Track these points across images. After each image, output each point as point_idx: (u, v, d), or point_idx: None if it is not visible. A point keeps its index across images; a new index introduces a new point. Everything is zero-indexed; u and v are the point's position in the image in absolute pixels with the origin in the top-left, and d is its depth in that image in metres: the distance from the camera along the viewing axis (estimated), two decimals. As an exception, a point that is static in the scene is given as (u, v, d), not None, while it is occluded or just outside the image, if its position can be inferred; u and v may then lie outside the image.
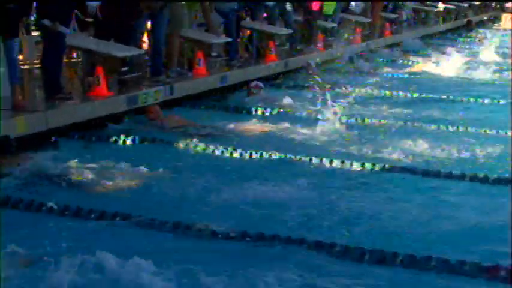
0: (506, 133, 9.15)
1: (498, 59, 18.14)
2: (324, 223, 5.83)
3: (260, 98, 11.01)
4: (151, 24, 10.78)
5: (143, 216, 5.73)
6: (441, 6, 26.40)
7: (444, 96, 12.22)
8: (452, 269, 4.91)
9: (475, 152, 8.16)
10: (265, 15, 15.20)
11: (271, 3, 14.95)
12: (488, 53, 18.56)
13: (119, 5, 10.01)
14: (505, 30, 27.82)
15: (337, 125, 9.32)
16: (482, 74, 15.15)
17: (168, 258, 4.75)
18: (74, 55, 11.29)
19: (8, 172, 6.78)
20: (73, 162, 7.29)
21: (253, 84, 11.20)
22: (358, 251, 5.10)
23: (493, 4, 35.09)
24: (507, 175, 7.18)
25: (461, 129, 9.48)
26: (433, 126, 9.65)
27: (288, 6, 15.40)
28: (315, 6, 16.03)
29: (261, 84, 11.31)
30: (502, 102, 11.76)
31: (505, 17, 22.01)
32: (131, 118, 9.37)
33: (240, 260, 5.11)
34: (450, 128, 9.54)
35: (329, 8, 17.17)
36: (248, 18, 14.53)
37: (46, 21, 8.64)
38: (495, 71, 15.60)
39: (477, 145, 8.45)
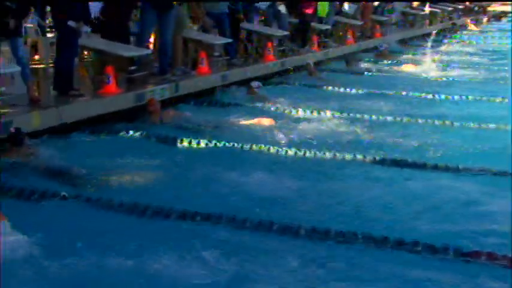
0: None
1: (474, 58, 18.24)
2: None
3: (259, 95, 11.09)
4: (158, 26, 10.81)
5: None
6: (427, 9, 26.49)
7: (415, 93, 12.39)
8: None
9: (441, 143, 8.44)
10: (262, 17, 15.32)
11: (263, 6, 15.05)
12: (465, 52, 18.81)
13: (119, 6, 10.15)
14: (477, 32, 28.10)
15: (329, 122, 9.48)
16: (453, 72, 15.37)
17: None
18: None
19: (21, 163, 6.87)
20: (84, 154, 7.46)
21: (255, 84, 11.26)
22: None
23: (476, 8, 35.12)
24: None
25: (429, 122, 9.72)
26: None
27: (282, 9, 15.45)
28: (309, 9, 16.06)
29: (260, 84, 11.40)
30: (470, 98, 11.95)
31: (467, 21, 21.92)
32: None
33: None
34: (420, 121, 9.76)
35: (323, 10, 17.21)
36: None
37: (71, 23, 8.71)
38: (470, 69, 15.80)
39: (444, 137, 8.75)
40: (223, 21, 12.65)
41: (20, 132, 7.19)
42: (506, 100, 11.52)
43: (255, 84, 11.28)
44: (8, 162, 6.82)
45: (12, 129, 7.19)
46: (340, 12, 19.05)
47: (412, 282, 4.68)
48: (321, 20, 17.17)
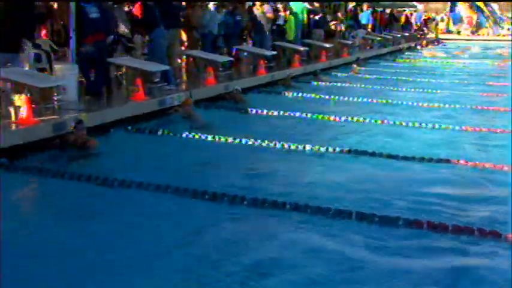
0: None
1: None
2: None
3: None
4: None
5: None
6: (381, 36, 26.61)
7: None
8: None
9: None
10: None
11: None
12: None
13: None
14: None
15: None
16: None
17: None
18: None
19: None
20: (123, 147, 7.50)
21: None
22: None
23: (418, 35, 35.26)
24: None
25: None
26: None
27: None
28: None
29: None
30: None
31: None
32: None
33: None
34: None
35: (291, 34, 17.16)
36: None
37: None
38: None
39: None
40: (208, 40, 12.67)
41: (82, 122, 7.23)
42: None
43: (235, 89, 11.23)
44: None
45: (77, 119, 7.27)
46: (309, 37, 18.95)
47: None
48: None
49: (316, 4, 20.90)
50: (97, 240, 4.56)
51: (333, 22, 21.26)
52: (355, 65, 18.03)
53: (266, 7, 16.08)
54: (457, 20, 43.76)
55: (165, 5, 10.86)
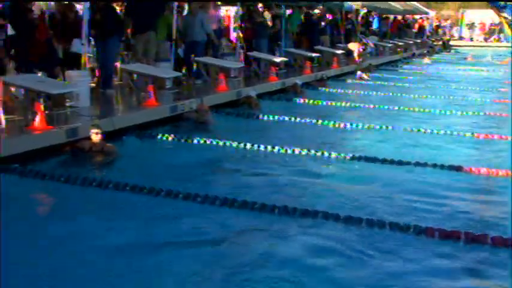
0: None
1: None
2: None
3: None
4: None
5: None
6: (392, 42, 26.62)
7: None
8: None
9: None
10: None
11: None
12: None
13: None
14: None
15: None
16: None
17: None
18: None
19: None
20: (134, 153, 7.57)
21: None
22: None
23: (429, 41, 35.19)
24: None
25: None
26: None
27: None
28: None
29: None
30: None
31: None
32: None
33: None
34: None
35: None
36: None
37: None
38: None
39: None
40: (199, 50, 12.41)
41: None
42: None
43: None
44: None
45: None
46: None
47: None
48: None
49: (317, 11, 20.99)
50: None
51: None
52: (360, 72, 18.02)
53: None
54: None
55: (138, 6, 10.51)
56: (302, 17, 18.57)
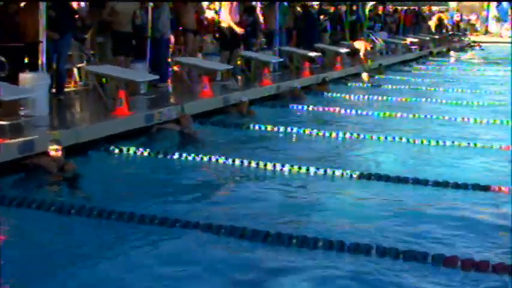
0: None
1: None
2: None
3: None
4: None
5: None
6: (408, 39, 26.63)
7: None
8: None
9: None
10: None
11: None
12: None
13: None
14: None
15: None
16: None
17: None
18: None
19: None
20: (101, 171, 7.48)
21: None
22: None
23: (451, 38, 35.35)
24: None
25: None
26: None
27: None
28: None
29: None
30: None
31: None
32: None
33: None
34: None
35: None
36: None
37: None
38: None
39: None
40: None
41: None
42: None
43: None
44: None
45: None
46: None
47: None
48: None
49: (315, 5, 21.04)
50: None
51: None
52: (365, 73, 18.01)
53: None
54: (505, 15, 43.63)
55: (60, 7, 10.23)
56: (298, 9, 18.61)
